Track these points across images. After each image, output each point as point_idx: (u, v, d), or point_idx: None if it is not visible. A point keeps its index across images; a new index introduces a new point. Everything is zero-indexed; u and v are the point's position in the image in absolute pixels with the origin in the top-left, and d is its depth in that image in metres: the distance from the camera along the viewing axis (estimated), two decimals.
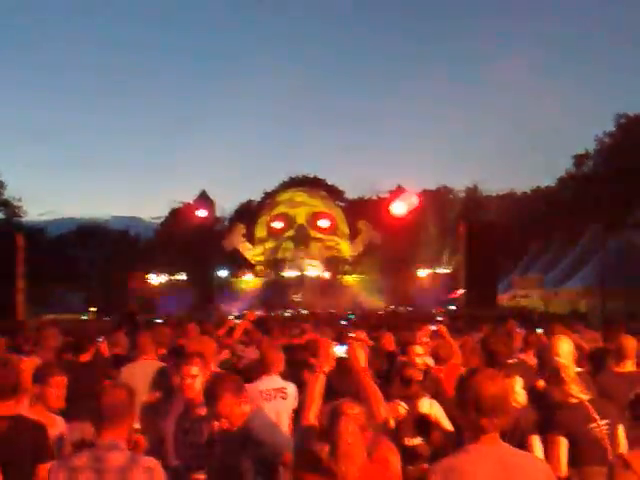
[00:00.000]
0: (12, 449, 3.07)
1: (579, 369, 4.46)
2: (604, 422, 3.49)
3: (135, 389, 5.26)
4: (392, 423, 4.66)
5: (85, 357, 6.05)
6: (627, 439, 3.42)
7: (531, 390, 4.32)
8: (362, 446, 2.30)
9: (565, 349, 4.25)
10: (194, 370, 3.67)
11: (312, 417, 2.74)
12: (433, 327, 6.95)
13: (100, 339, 6.47)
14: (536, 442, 3.59)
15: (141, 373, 5.34)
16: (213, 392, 3.17)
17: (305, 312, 26.13)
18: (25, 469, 3.09)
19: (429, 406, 4.68)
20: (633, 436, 3.11)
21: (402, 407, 4.63)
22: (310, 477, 2.35)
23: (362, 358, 2.96)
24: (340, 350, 3.03)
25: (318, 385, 2.87)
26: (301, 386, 5.82)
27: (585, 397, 3.64)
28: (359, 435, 2.30)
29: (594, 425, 3.50)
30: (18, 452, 2.81)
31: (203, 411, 3.54)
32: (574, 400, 3.62)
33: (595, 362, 5.56)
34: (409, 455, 4.47)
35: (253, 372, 5.26)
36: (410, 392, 4.78)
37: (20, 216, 46.42)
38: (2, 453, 3.02)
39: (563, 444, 3.51)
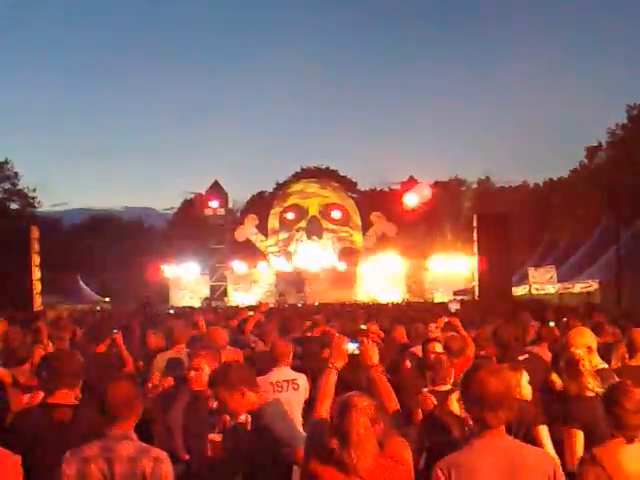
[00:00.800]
0: (71, 438, 3.09)
1: (604, 365, 4.44)
2: None
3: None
4: (420, 415, 4.61)
5: (100, 348, 6.13)
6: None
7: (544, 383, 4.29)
8: (373, 437, 2.31)
9: (583, 342, 4.24)
10: (199, 362, 3.66)
11: (324, 412, 2.74)
12: (446, 319, 6.92)
13: (115, 330, 6.54)
14: (544, 433, 3.57)
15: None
16: (210, 381, 3.21)
17: (316, 304, 26.13)
18: None
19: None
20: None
21: (431, 401, 4.58)
22: (321, 469, 2.36)
23: (374, 354, 2.96)
24: (352, 346, 3.02)
25: (330, 380, 2.87)
26: (315, 378, 5.85)
27: (601, 390, 3.61)
28: (369, 427, 2.31)
29: None
30: (76, 441, 2.84)
31: (213, 404, 3.54)
32: (590, 393, 3.61)
33: None
34: (437, 453, 4.41)
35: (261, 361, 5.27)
36: (439, 382, 4.76)
37: (35, 207, 46.72)
38: (61, 441, 3.05)
39: (579, 436, 3.49)
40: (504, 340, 5.55)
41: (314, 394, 2.90)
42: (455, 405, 4.58)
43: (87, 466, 2.67)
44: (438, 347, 5.67)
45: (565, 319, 7.71)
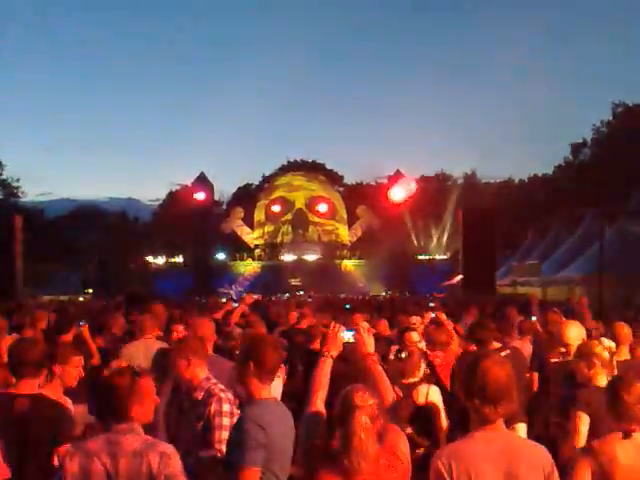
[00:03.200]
0: (31, 428, 3.02)
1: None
2: None
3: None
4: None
5: (66, 338, 5.97)
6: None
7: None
8: (374, 438, 2.27)
9: (575, 335, 4.33)
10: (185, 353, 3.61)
11: (319, 402, 2.69)
12: (433, 314, 6.96)
13: (82, 322, 6.36)
14: (523, 430, 3.63)
15: (142, 352, 5.38)
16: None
17: (301, 293, 26.11)
18: (44, 449, 3.07)
19: (426, 394, 4.65)
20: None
21: (397, 393, 4.61)
22: (321, 469, 2.33)
23: (370, 343, 2.92)
24: (347, 335, 2.96)
25: (325, 369, 2.81)
26: (303, 371, 5.88)
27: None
28: (371, 427, 2.27)
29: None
30: (37, 431, 2.72)
31: (200, 394, 3.52)
32: (603, 384, 3.66)
33: None
34: None
35: None
36: (406, 374, 4.78)
37: (18, 196, 46.30)
38: (21, 432, 2.98)
39: (584, 419, 3.54)
40: (478, 336, 5.58)
41: (309, 384, 2.80)
42: (421, 398, 4.62)
43: (90, 461, 2.52)
44: (415, 336, 5.70)
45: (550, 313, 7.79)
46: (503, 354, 5.08)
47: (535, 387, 5.05)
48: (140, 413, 2.66)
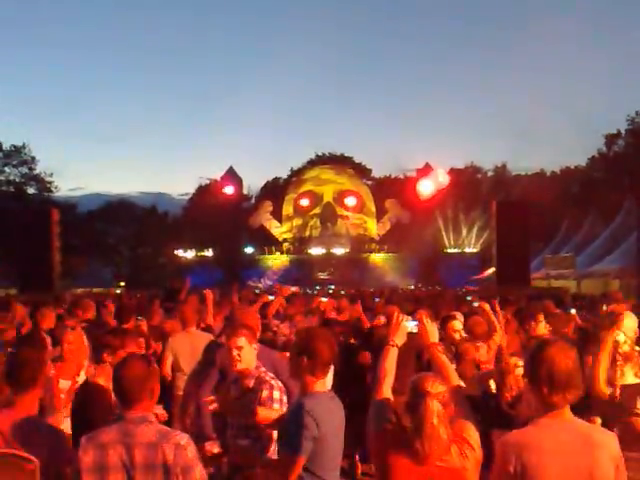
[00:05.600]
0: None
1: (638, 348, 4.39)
2: None
3: (181, 359, 5.42)
4: None
5: (129, 326, 6.18)
6: None
7: None
8: (446, 424, 2.30)
9: (631, 326, 4.21)
10: (241, 341, 3.60)
11: (387, 390, 2.71)
12: (476, 304, 6.87)
13: (140, 317, 6.62)
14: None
15: (188, 343, 5.43)
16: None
17: (331, 290, 26.08)
18: None
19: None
20: None
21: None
22: (393, 454, 2.35)
23: (433, 333, 2.92)
24: (411, 324, 2.97)
25: (390, 358, 2.83)
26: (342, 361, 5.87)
27: (633, 381, 3.55)
28: (442, 413, 2.29)
29: (634, 410, 3.41)
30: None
31: (251, 382, 3.52)
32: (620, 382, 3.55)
33: None
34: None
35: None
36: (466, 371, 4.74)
37: (51, 191, 46.93)
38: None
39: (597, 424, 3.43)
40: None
41: (376, 373, 2.81)
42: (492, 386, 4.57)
43: (105, 453, 2.46)
44: (458, 325, 5.65)
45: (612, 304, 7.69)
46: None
47: None
48: (151, 402, 2.58)
